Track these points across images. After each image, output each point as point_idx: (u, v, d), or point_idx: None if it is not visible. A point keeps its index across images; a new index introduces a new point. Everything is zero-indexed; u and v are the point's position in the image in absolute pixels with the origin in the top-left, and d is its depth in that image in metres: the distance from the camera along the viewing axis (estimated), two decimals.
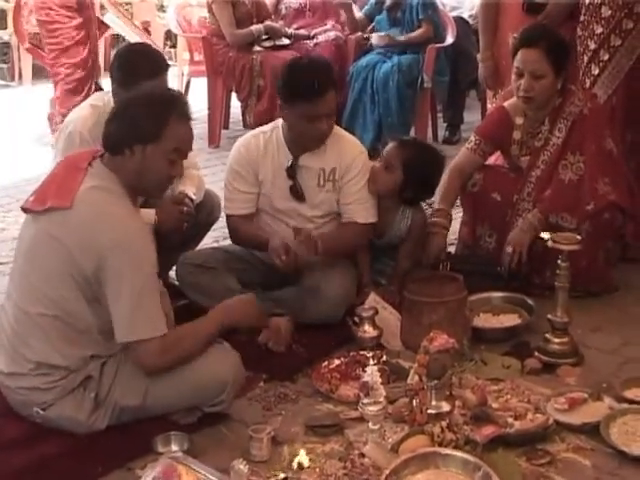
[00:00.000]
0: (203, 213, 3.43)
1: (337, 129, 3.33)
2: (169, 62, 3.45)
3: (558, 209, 3.34)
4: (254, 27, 5.91)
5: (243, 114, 6.29)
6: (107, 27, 6.72)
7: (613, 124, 3.68)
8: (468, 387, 2.61)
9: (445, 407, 2.34)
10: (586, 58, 3.79)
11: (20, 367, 2.45)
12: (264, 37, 5.99)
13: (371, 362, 2.57)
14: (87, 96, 4.91)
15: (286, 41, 6.03)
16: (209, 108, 6.12)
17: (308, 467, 2.38)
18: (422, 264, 3.49)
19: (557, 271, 2.91)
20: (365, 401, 2.45)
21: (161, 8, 8.92)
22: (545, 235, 2.99)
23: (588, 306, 3.29)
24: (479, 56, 4.42)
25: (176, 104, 2.49)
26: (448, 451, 2.24)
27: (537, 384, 2.78)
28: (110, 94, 3.30)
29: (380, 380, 2.47)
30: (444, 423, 2.31)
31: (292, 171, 3.23)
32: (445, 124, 6.36)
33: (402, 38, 5.80)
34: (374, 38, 5.89)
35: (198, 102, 6.51)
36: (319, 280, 3.17)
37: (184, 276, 3.26)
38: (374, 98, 5.71)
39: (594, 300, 3.37)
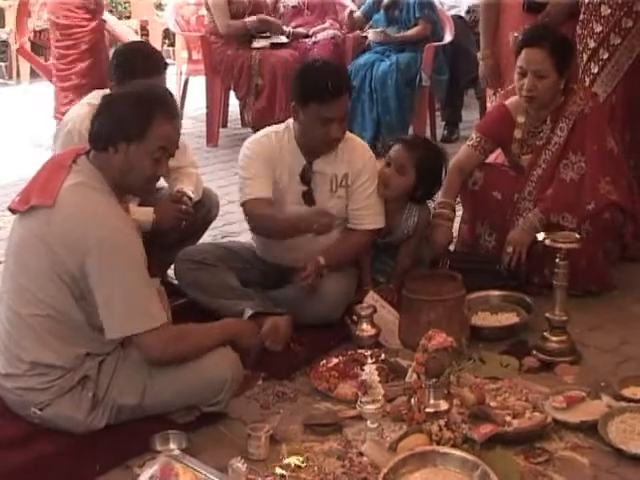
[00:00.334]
0: (201, 212, 3.43)
1: (348, 133, 3.28)
2: (167, 61, 3.45)
3: (559, 209, 3.34)
4: (248, 19, 5.89)
5: (241, 113, 6.29)
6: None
7: (613, 123, 3.68)
8: (466, 386, 2.61)
9: (443, 406, 2.34)
10: (585, 57, 3.79)
11: (16, 368, 2.45)
12: (263, 35, 5.98)
13: (369, 361, 2.57)
14: None
15: (284, 39, 6.02)
16: (207, 107, 6.12)
17: (306, 466, 2.37)
18: (423, 261, 3.50)
19: (555, 270, 2.92)
20: (363, 400, 2.45)
21: (159, 7, 8.93)
22: (540, 235, 3.00)
23: (586, 305, 3.29)
24: (479, 54, 4.42)
25: (161, 102, 2.47)
26: (446, 450, 2.25)
27: (535, 383, 2.78)
28: (108, 92, 3.29)
29: (378, 379, 2.47)
30: (442, 422, 2.31)
31: (306, 176, 3.20)
32: (443, 123, 6.36)
33: (398, 35, 5.80)
34: (370, 34, 5.90)
35: (196, 101, 6.52)
36: (319, 280, 3.16)
37: (183, 272, 3.24)
38: (372, 97, 5.71)
39: (592, 299, 3.37)
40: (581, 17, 3.82)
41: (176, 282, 3.39)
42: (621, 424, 2.50)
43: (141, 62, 3.20)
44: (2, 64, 8.55)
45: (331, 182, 3.23)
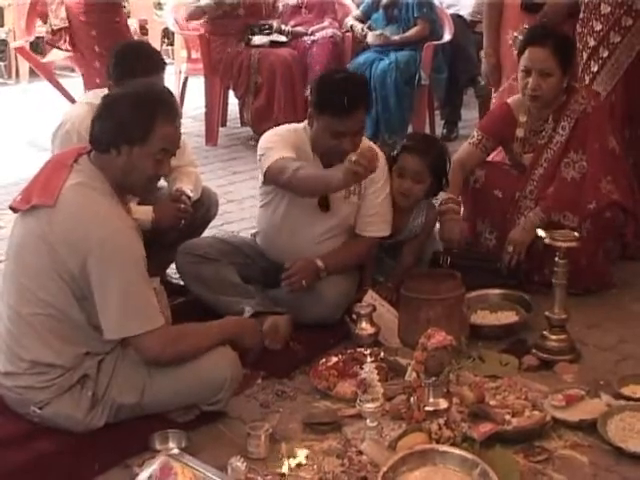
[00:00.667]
0: (200, 211, 3.43)
1: (365, 139, 3.24)
2: (166, 60, 3.45)
3: (560, 207, 3.34)
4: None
5: (240, 112, 6.28)
6: None
7: (613, 121, 3.68)
8: (466, 384, 2.61)
9: (443, 404, 2.34)
10: (585, 55, 3.79)
11: (16, 367, 2.45)
12: (264, 29, 5.98)
13: (369, 359, 2.58)
14: None
15: (283, 38, 6.01)
16: (206, 106, 6.12)
17: (306, 464, 2.38)
18: (422, 259, 3.50)
19: (555, 268, 2.92)
20: (363, 398, 2.45)
21: (158, 6, 8.91)
22: (542, 233, 3.00)
23: (586, 303, 3.29)
24: (482, 52, 4.44)
25: (163, 103, 2.47)
26: (446, 448, 2.25)
27: (534, 381, 2.78)
28: (106, 92, 3.29)
29: (378, 377, 2.47)
30: (442, 420, 2.31)
31: None
32: (443, 121, 6.36)
33: (397, 38, 5.79)
34: (369, 37, 5.88)
35: (195, 100, 6.52)
36: (318, 281, 3.16)
37: (184, 265, 3.23)
38: (372, 95, 5.70)
39: (592, 297, 3.37)
40: (581, 15, 3.82)
41: (176, 281, 3.40)
42: (620, 422, 2.50)
43: (140, 62, 3.20)
44: (1, 63, 8.54)
45: (346, 190, 3.19)
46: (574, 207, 3.33)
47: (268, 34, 5.96)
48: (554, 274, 2.93)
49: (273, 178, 3.08)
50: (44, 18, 6.31)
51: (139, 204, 3.08)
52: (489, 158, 3.77)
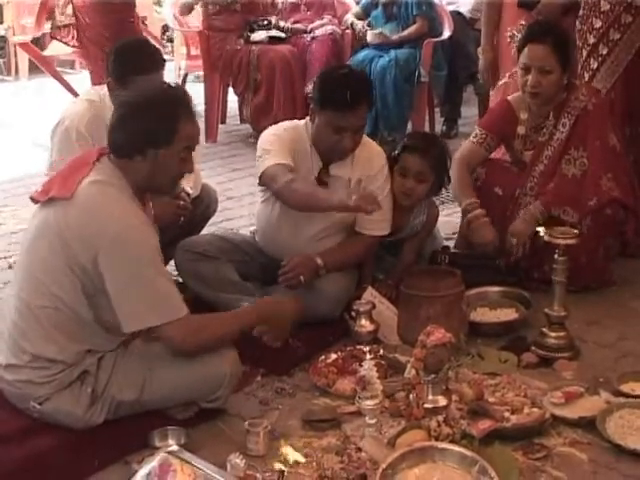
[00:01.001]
0: (199, 207, 3.43)
1: (365, 137, 3.27)
2: (166, 57, 3.45)
3: (560, 203, 3.34)
4: None
5: (240, 108, 6.28)
6: None
7: (612, 118, 3.68)
8: (465, 381, 2.61)
9: (442, 401, 2.34)
10: (585, 52, 3.79)
11: (18, 359, 2.44)
12: (262, 25, 5.97)
13: (368, 356, 2.58)
14: None
15: (282, 34, 6.01)
16: (206, 103, 6.11)
17: (305, 461, 2.37)
18: (422, 256, 3.50)
19: (554, 265, 2.91)
20: (362, 395, 2.46)
21: (158, 2, 8.91)
22: (540, 230, 2.99)
23: (585, 300, 3.29)
24: (480, 49, 4.44)
25: (182, 104, 2.49)
26: (445, 445, 2.25)
27: (534, 378, 2.78)
28: (106, 89, 3.29)
29: (377, 374, 2.48)
30: (441, 417, 2.32)
31: (323, 180, 3.18)
32: (442, 119, 6.36)
33: (396, 37, 5.79)
34: (369, 36, 5.88)
35: (195, 97, 6.51)
36: (317, 278, 3.16)
37: (183, 263, 3.22)
38: (373, 93, 5.69)
39: (591, 294, 3.37)
40: (581, 12, 3.82)
41: (175, 278, 3.39)
42: (620, 420, 2.50)
43: (139, 59, 3.20)
44: (0, 60, 8.53)
45: (346, 187, 3.18)
46: (574, 203, 3.33)
47: (267, 30, 5.95)
48: (553, 271, 2.92)
49: (266, 183, 3.12)
50: (50, 14, 6.33)
51: None
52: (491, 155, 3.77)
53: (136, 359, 2.50)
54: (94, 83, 5.43)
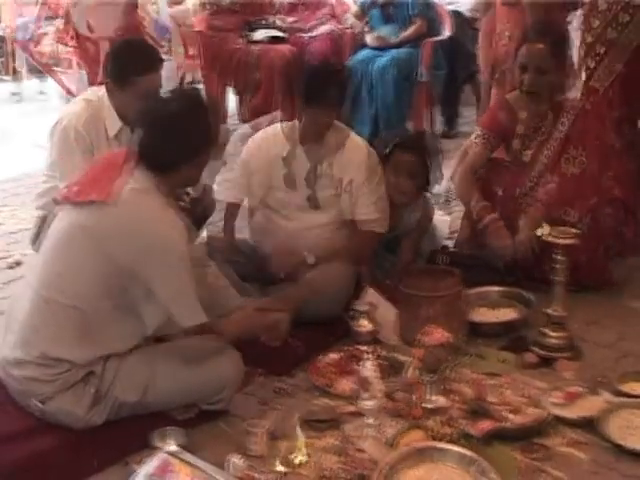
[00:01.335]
0: (199, 208, 3.42)
1: (355, 138, 3.33)
2: (164, 57, 3.45)
3: (561, 203, 3.33)
4: None
5: (239, 108, 6.27)
6: None
7: (611, 117, 3.68)
8: (465, 381, 2.61)
9: (442, 401, 2.34)
10: (582, 52, 3.79)
11: (25, 354, 2.44)
12: (262, 24, 5.98)
13: (368, 357, 2.58)
14: None
15: (282, 34, 6.00)
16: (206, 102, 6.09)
17: (305, 461, 2.37)
18: (421, 254, 3.50)
19: (554, 265, 2.91)
20: (362, 396, 2.46)
21: (155, 2, 8.88)
22: (539, 231, 2.99)
23: (585, 300, 3.28)
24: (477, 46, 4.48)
25: (208, 109, 2.58)
26: (444, 445, 2.25)
27: (534, 378, 2.78)
28: (104, 89, 3.29)
29: (377, 374, 2.47)
30: (440, 417, 2.31)
31: (311, 180, 3.23)
32: (442, 118, 6.35)
33: (395, 39, 5.78)
34: (368, 39, 5.87)
35: None
36: (316, 277, 3.16)
37: None
38: (371, 92, 5.70)
39: (591, 294, 3.36)
40: (579, 12, 3.83)
41: None
42: (620, 420, 2.50)
43: (137, 59, 3.20)
44: None
45: (336, 187, 3.25)
46: (575, 202, 3.33)
47: (267, 29, 5.95)
48: (553, 271, 2.92)
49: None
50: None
51: None
52: None
53: (140, 361, 2.50)
54: (90, 83, 5.45)
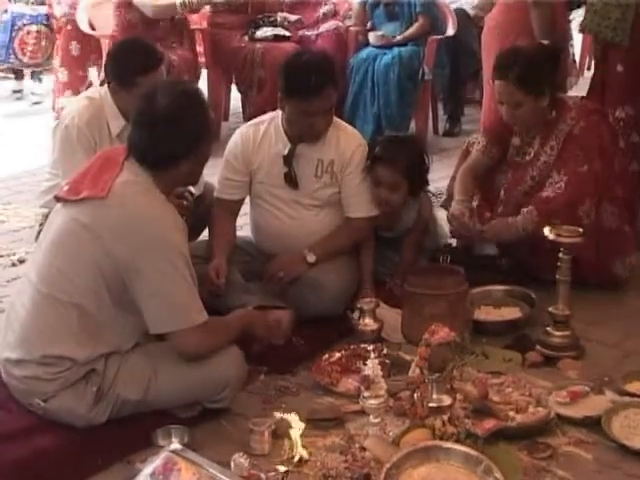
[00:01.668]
0: (202, 206, 3.42)
1: (337, 121, 3.33)
2: None
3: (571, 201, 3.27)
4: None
5: (243, 106, 6.27)
6: None
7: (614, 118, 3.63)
8: (469, 380, 2.60)
9: (446, 400, 2.33)
10: None
11: (26, 353, 2.43)
12: (269, 21, 5.96)
13: (372, 355, 2.57)
14: None
15: (286, 32, 5.99)
16: (209, 100, 6.08)
17: (309, 461, 2.37)
18: (424, 252, 3.49)
19: (558, 264, 2.90)
20: (366, 394, 2.45)
21: None
22: (546, 230, 2.97)
23: (589, 299, 3.26)
24: None
25: (208, 112, 2.55)
26: (449, 445, 2.24)
27: (538, 377, 2.77)
28: (106, 87, 3.29)
29: (381, 373, 2.47)
30: (445, 417, 2.31)
31: (288, 158, 3.23)
32: (445, 116, 6.35)
33: (398, 37, 5.77)
34: (371, 37, 5.86)
35: None
36: (319, 274, 3.16)
37: None
38: (374, 90, 5.69)
39: (596, 293, 3.34)
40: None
41: None
42: (625, 419, 2.49)
43: (138, 59, 3.20)
44: None
45: (316, 167, 3.25)
46: (585, 199, 3.26)
47: (272, 27, 5.93)
48: (558, 270, 2.91)
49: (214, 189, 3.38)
50: None
51: None
52: None
53: (142, 358, 2.50)
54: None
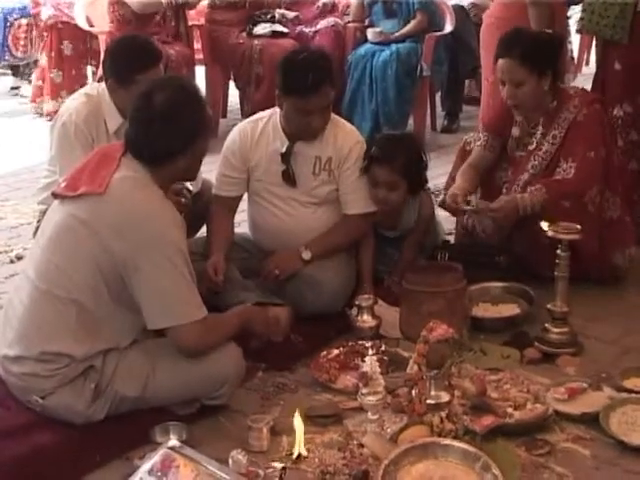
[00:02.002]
0: (200, 203, 3.41)
1: (335, 118, 3.33)
2: None
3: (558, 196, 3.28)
4: None
5: (241, 103, 6.27)
6: None
7: (609, 126, 3.61)
8: (467, 377, 2.61)
9: (444, 397, 2.33)
10: None
11: (24, 350, 2.43)
12: (267, 18, 5.95)
13: (370, 352, 2.58)
14: None
15: (285, 29, 5.98)
16: (207, 97, 6.07)
17: (307, 457, 2.37)
18: (424, 249, 3.49)
19: (557, 260, 2.90)
20: (364, 391, 2.45)
21: None
22: (544, 225, 2.97)
23: (587, 296, 3.27)
24: None
25: (204, 102, 2.56)
26: (447, 441, 2.24)
27: (536, 374, 2.77)
28: (104, 84, 3.28)
29: (379, 370, 2.47)
30: (443, 413, 2.31)
31: (286, 156, 3.22)
32: (444, 113, 6.34)
33: (396, 34, 5.76)
34: (369, 34, 5.85)
35: None
36: (317, 271, 3.17)
37: None
38: (372, 87, 5.69)
39: (595, 289, 3.34)
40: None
41: None
42: (623, 416, 2.49)
43: (136, 56, 3.19)
44: None
45: (314, 164, 3.25)
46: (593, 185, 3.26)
47: (271, 23, 5.93)
48: (556, 266, 2.91)
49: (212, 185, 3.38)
50: None
51: None
52: None
53: (141, 355, 2.50)
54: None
